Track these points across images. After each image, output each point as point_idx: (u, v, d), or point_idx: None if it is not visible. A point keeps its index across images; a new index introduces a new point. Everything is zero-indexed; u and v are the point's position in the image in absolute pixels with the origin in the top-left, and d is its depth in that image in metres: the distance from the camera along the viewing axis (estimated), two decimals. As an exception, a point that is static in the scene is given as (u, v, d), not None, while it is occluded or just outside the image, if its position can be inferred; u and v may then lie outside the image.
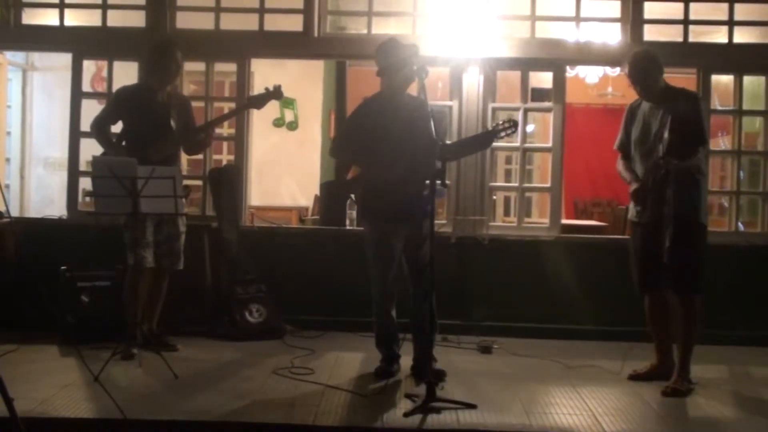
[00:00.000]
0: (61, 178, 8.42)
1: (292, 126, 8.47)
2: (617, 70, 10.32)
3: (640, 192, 5.53)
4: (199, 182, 7.42)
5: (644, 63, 5.56)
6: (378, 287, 5.51)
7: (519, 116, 7.31)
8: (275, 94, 6.36)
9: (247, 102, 6.71)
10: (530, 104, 7.47)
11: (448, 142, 5.87)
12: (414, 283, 5.46)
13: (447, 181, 5.18)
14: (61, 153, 8.13)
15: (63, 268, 6.50)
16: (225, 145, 9.63)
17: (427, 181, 5.02)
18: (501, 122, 5.48)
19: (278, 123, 8.66)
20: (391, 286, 5.51)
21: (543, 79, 8.04)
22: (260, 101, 6.41)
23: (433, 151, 5.10)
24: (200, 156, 7.30)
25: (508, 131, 5.45)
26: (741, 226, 7.53)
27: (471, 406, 4.80)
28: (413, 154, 5.24)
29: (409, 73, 5.43)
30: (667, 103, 5.47)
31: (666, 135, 5.28)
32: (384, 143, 5.36)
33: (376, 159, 5.42)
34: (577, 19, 7.25)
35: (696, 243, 5.47)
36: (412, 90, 5.67)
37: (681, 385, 5.38)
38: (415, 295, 5.43)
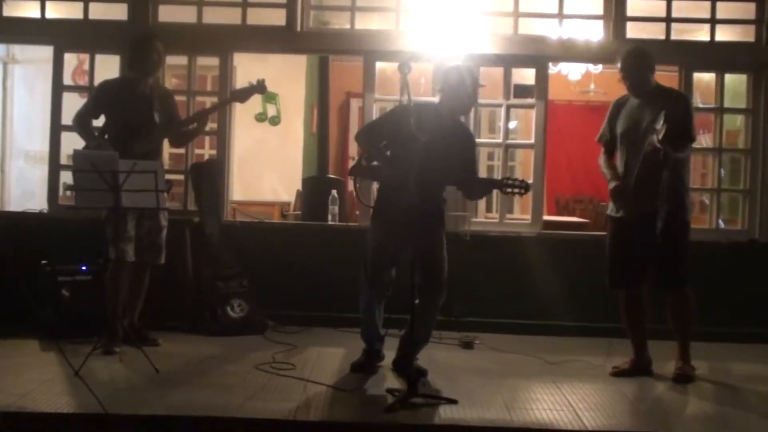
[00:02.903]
0: (41, 172, 8.36)
1: (275, 121, 8.43)
2: (600, 67, 10.38)
3: (620, 190, 5.58)
4: (180, 176, 7.39)
5: (637, 59, 5.62)
6: (369, 283, 5.48)
7: (501, 112, 7.33)
8: (259, 88, 6.36)
9: (230, 96, 6.70)
10: (513, 101, 7.49)
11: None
12: (424, 294, 5.28)
13: None
14: (42, 146, 8.07)
15: (43, 262, 6.47)
16: (207, 139, 9.57)
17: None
18: (515, 180, 5.37)
19: (260, 118, 8.59)
20: (382, 286, 5.49)
21: (526, 76, 8.06)
22: (244, 95, 6.41)
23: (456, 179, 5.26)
24: (182, 150, 7.28)
25: (516, 190, 5.32)
26: (722, 224, 7.58)
27: (452, 402, 4.81)
28: (435, 174, 5.17)
29: (466, 103, 5.44)
30: (658, 101, 5.51)
31: (659, 126, 5.29)
32: (412, 151, 5.08)
33: (399, 162, 5.27)
34: (560, 16, 7.27)
35: (684, 240, 5.60)
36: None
37: (688, 369, 5.61)
38: (424, 305, 5.27)
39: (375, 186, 5.98)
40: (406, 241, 5.20)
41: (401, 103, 5.73)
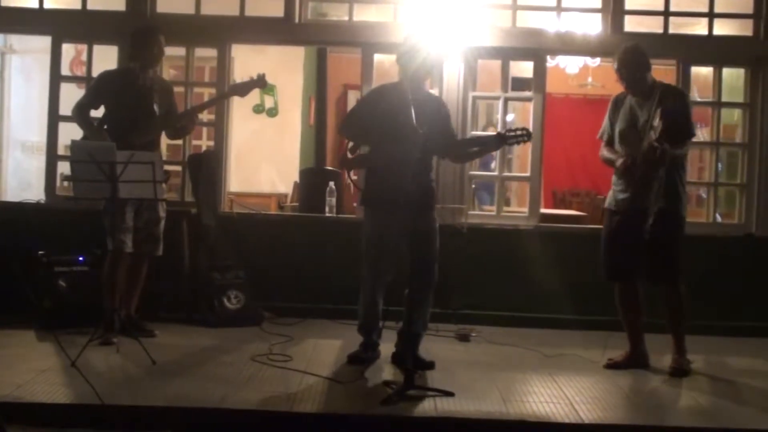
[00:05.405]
0: (39, 162, 8.36)
1: (272, 112, 8.42)
2: (597, 61, 10.36)
3: (629, 167, 5.50)
4: (178, 168, 7.39)
5: (633, 58, 5.58)
6: (370, 274, 5.51)
7: (499, 105, 7.33)
8: (259, 82, 6.36)
9: (230, 90, 6.70)
10: (510, 93, 7.48)
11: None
12: (417, 277, 5.31)
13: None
14: (40, 137, 8.05)
15: (40, 252, 6.46)
16: (205, 130, 9.57)
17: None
18: (515, 130, 5.46)
19: (258, 109, 8.56)
20: (384, 275, 5.51)
21: (523, 69, 8.05)
22: (244, 89, 6.42)
23: (439, 147, 5.29)
24: (180, 141, 7.27)
25: (520, 140, 5.43)
26: (719, 218, 7.60)
27: (449, 394, 4.82)
28: (421, 146, 5.16)
29: (427, 67, 5.45)
30: (655, 98, 5.50)
31: (657, 123, 5.30)
32: (395, 130, 5.27)
33: (385, 144, 5.38)
34: (559, 9, 7.27)
35: (678, 235, 5.60)
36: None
37: (683, 363, 5.63)
38: (417, 289, 5.32)
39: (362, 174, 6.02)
40: (402, 224, 5.20)
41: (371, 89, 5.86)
